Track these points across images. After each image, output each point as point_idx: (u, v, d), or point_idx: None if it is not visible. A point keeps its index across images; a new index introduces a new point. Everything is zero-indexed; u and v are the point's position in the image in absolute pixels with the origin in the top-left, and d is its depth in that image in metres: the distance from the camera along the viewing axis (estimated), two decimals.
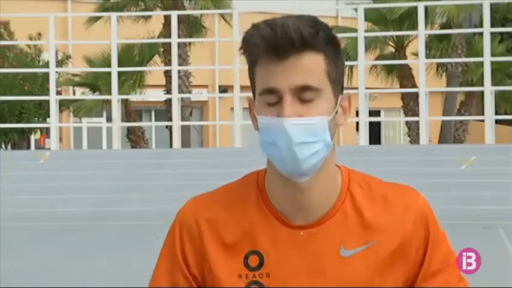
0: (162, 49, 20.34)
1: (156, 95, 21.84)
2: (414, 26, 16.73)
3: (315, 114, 1.66)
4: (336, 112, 1.70)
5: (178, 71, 16.62)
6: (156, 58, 20.86)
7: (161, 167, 13.38)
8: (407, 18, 19.26)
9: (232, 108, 16.44)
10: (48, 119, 17.36)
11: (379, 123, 30.03)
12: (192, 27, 20.86)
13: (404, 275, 1.75)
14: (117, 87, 15.22)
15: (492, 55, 14.97)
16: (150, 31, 20.25)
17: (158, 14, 20.37)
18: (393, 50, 21.32)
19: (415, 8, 15.74)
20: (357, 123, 14.76)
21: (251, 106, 1.75)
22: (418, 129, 16.17)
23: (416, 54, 17.82)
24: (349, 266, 1.73)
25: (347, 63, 15.75)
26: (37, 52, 21.01)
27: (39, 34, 20.26)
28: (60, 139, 23.21)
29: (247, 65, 1.72)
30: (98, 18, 19.63)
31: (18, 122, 19.52)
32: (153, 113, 30.24)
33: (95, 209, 12.08)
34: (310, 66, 1.66)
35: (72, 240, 10.46)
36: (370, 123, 15.88)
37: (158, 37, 20.38)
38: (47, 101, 15.92)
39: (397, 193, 1.78)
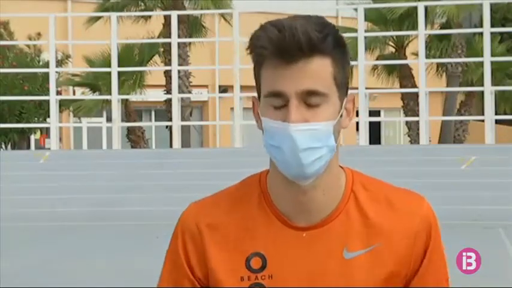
0: (162, 49, 20.33)
1: (156, 95, 21.84)
2: (414, 26, 16.73)
3: (320, 119, 1.65)
4: (341, 116, 1.70)
5: (178, 71, 16.61)
6: (156, 58, 20.86)
7: (161, 167, 13.38)
8: (407, 18, 19.26)
9: (232, 108, 16.43)
10: (48, 119, 17.36)
11: (379, 123, 30.03)
12: (192, 27, 20.86)
13: (405, 278, 1.75)
14: (117, 87, 15.22)
15: (492, 55, 14.96)
16: (150, 31, 20.24)
17: (158, 14, 20.38)
18: (393, 50, 21.32)
19: (415, 8, 15.74)
20: (357, 123, 14.75)
21: (255, 104, 1.74)
22: (418, 129, 16.17)
23: (416, 54, 17.82)
24: (351, 268, 1.72)
25: None
26: (36, 52, 21.00)
27: (39, 34, 20.25)
28: (60, 139, 23.21)
29: (253, 65, 1.71)
30: (98, 18, 19.63)
31: (18, 122, 19.51)
32: (153, 113, 30.23)
33: (95, 209, 12.08)
34: (318, 71, 1.65)
35: (72, 240, 10.46)
36: (370, 123, 15.88)
37: (158, 37, 20.38)
38: (47, 101, 15.91)
39: (402, 197, 1.77)
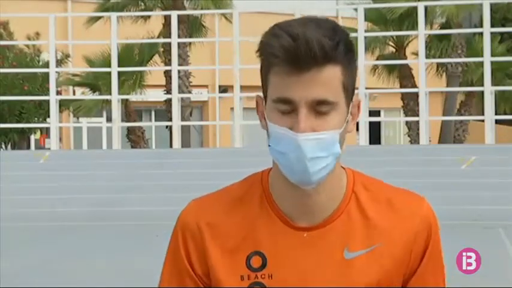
0: (162, 49, 20.33)
1: (156, 95, 21.84)
2: (414, 26, 16.74)
3: (328, 128, 1.64)
4: (347, 122, 1.69)
5: (178, 71, 16.62)
6: (156, 58, 20.86)
7: (161, 167, 13.38)
8: (407, 18, 19.26)
9: (232, 108, 16.43)
10: (48, 119, 17.36)
11: (379, 123, 30.03)
12: (192, 27, 20.85)
13: (404, 278, 1.75)
14: (117, 87, 15.23)
15: (492, 55, 14.97)
16: (150, 31, 20.25)
17: (158, 14, 20.38)
18: (393, 50, 21.32)
19: (415, 8, 15.75)
20: (357, 123, 14.71)
21: (259, 104, 1.72)
22: (418, 129, 16.17)
23: (416, 54, 17.81)
24: (352, 268, 1.72)
25: None
26: (36, 52, 21.00)
27: (37, 34, 20.24)
28: (60, 139, 23.21)
29: (260, 67, 1.69)
30: (98, 18, 19.62)
31: (18, 122, 19.51)
32: (153, 113, 30.23)
33: (95, 209, 12.09)
34: (329, 79, 1.63)
35: (72, 240, 10.47)
36: (370, 123, 15.89)
37: (158, 37, 20.38)
38: (47, 101, 15.92)
39: (402, 197, 1.77)
